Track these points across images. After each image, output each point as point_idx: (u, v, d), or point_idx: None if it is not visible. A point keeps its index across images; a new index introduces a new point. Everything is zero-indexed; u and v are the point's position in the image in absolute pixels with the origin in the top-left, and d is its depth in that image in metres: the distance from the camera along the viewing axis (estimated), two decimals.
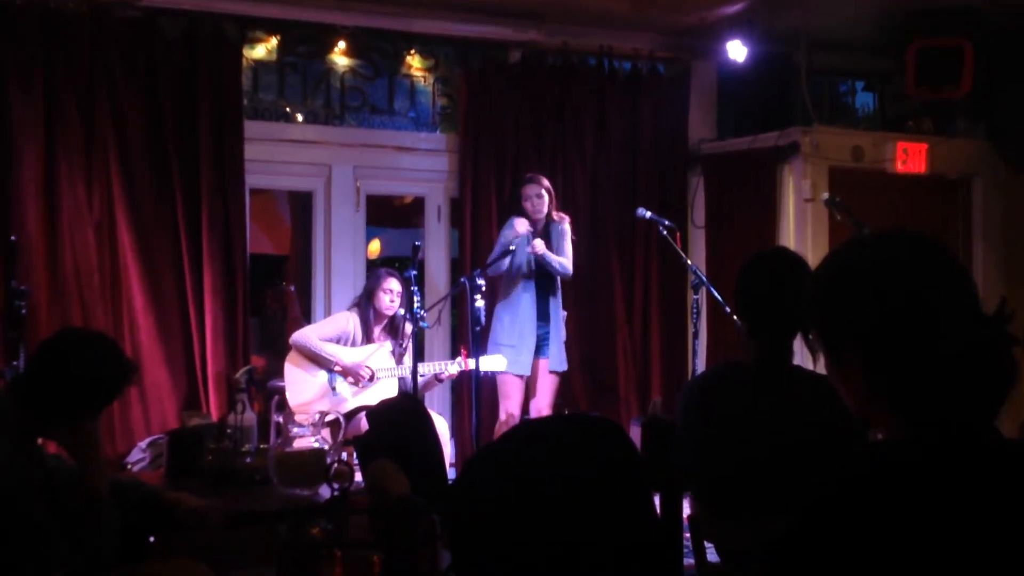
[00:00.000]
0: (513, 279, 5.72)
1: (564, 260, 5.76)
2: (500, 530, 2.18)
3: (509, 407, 5.69)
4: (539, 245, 5.64)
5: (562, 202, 6.56)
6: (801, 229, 6.40)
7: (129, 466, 5.37)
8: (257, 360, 6.31)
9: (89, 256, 5.54)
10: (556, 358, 5.77)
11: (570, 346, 6.51)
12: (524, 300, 5.67)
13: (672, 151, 6.94)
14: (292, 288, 7.70)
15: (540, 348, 5.75)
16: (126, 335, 5.56)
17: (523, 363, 5.63)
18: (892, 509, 1.24)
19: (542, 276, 5.74)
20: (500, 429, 5.68)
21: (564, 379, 6.06)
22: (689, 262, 5.51)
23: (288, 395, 5.42)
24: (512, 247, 5.58)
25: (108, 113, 5.59)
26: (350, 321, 5.58)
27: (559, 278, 5.80)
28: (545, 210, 5.76)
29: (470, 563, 2.14)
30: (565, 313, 5.93)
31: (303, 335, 5.50)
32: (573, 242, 5.89)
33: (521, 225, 5.64)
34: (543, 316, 5.76)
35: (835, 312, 1.42)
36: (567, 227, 5.85)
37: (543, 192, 5.76)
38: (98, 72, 5.57)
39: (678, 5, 6.29)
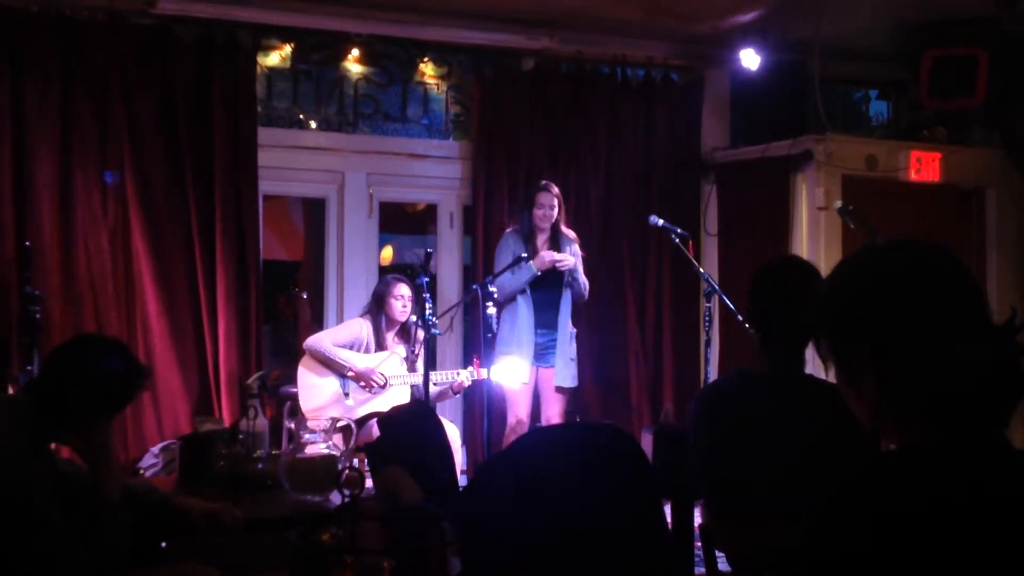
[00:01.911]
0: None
1: (583, 280, 5.78)
2: (510, 537, 2.18)
3: (517, 412, 5.68)
4: (549, 257, 5.63)
5: (575, 210, 6.58)
6: (814, 237, 6.39)
7: (142, 471, 5.39)
8: (274, 373, 6.31)
9: (103, 262, 5.57)
10: (562, 373, 5.73)
11: (582, 354, 6.51)
12: (521, 306, 5.65)
13: (685, 159, 6.94)
14: (305, 295, 7.72)
15: (543, 356, 5.74)
16: (139, 340, 5.58)
17: (522, 368, 5.61)
18: (904, 519, 1.24)
19: (541, 284, 5.71)
20: (509, 435, 5.67)
21: (574, 391, 6.05)
22: (701, 270, 5.50)
23: (301, 400, 5.43)
24: (523, 256, 5.56)
25: (123, 120, 5.62)
26: (364, 327, 5.59)
27: (570, 293, 5.79)
28: (553, 221, 5.76)
29: (480, 570, 2.14)
30: (575, 330, 5.90)
31: (317, 340, 5.52)
32: (584, 260, 5.90)
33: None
34: (545, 324, 5.73)
35: (845, 322, 1.42)
36: (579, 249, 5.85)
37: (555, 202, 5.76)
38: (113, 79, 5.60)
39: (691, 14, 6.29)
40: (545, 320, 5.72)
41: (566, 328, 5.77)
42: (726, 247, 6.84)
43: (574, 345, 5.85)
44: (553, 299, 5.73)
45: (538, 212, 5.73)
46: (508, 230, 5.88)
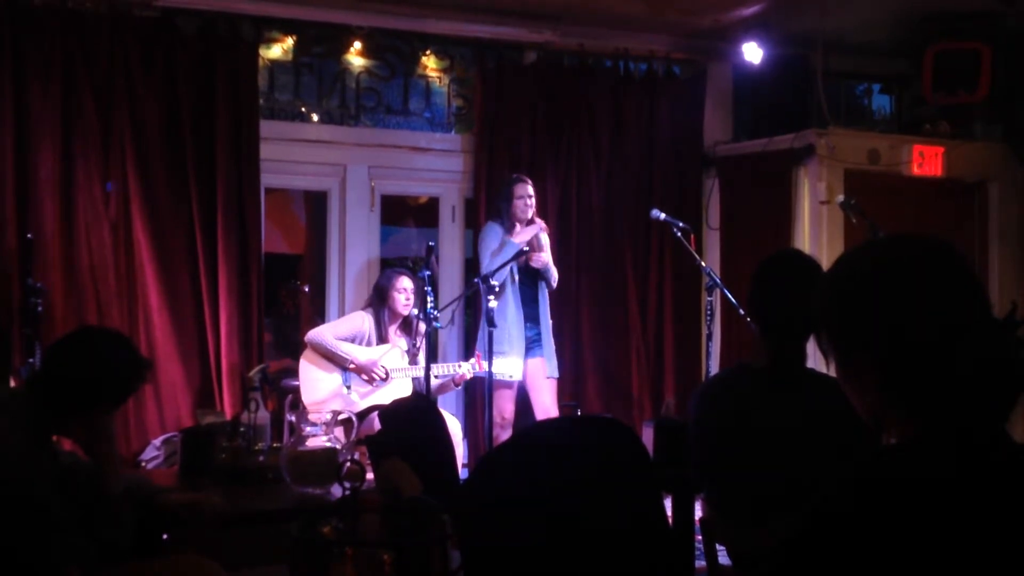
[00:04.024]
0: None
1: (554, 270, 5.85)
2: (511, 530, 2.19)
3: (502, 409, 5.68)
4: (542, 258, 5.68)
5: (577, 203, 6.59)
6: (816, 232, 6.38)
7: (143, 463, 5.40)
8: (274, 364, 6.30)
9: (105, 254, 5.57)
10: (551, 364, 5.82)
11: (583, 347, 6.53)
12: (511, 306, 5.67)
13: (687, 153, 6.93)
14: (306, 288, 7.72)
15: (531, 349, 5.78)
16: (141, 333, 5.58)
17: (515, 367, 5.62)
18: (902, 512, 1.24)
19: (525, 281, 5.77)
20: (496, 430, 5.66)
21: (576, 381, 6.07)
22: (703, 264, 5.50)
23: (302, 393, 5.43)
24: (524, 249, 5.58)
25: (125, 112, 5.62)
26: (365, 321, 5.60)
27: (546, 285, 5.85)
28: (531, 213, 5.79)
29: (481, 563, 2.15)
30: (553, 322, 5.94)
31: (319, 333, 5.52)
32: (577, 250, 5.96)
33: (527, 233, 5.66)
34: (531, 318, 5.80)
35: (846, 316, 1.42)
36: (544, 236, 5.89)
37: (532, 191, 5.80)
38: (116, 71, 5.60)
39: (694, 7, 6.28)
40: (530, 314, 5.77)
41: (547, 320, 5.86)
42: (728, 241, 6.83)
43: (551, 334, 5.89)
44: (534, 293, 5.81)
45: (519, 203, 5.76)
46: (489, 222, 5.90)
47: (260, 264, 5.94)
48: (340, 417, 4.01)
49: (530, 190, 5.81)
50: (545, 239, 5.90)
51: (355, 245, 6.41)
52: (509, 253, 5.60)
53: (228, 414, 5.57)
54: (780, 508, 2.33)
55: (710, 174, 7.00)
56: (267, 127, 6.05)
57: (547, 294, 5.88)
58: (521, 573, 2.19)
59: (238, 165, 5.84)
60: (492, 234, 5.77)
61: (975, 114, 6.70)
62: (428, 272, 5.08)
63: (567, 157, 6.60)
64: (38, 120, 5.44)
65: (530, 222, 5.82)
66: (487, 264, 5.62)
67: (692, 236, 5.57)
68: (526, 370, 5.78)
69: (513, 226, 5.79)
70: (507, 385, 5.67)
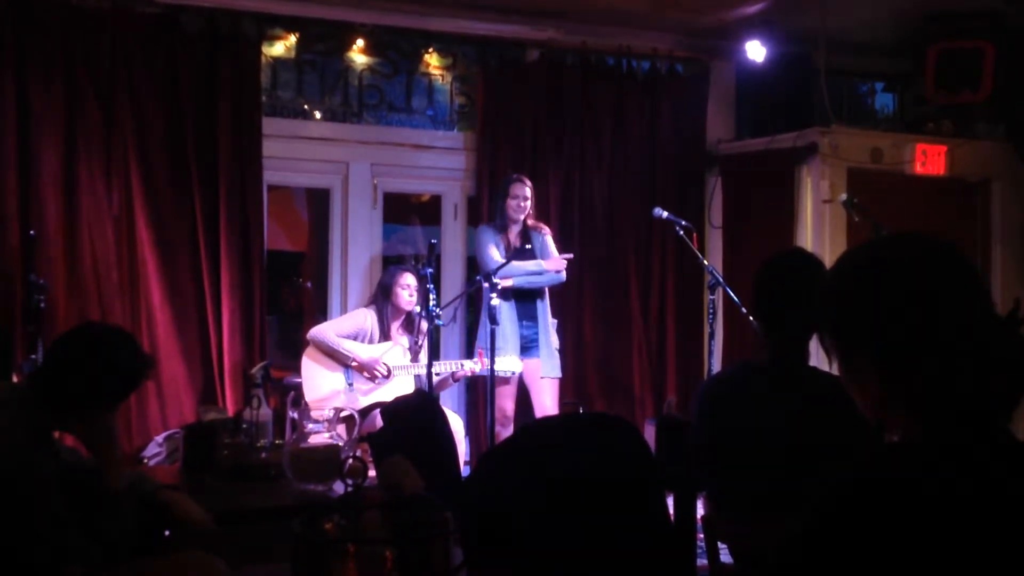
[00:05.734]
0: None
1: (542, 263, 5.77)
2: (513, 527, 2.19)
3: (502, 406, 5.68)
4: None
5: (579, 201, 6.59)
6: (819, 230, 6.38)
7: (146, 460, 5.40)
8: (276, 373, 6.30)
9: (107, 251, 5.57)
10: (548, 364, 5.78)
11: (586, 345, 6.53)
12: (502, 303, 5.63)
13: (690, 151, 6.93)
14: (309, 285, 7.73)
15: (528, 349, 5.76)
16: (143, 329, 5.59)
17: (514, 363, 5.60)
18: (906, 510, 1.24)
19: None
20: (496, 427, 5.66)
21: (578, 379, 6.06)
22: (706, 262, 5.51)
23: (305, 390, 5.44)
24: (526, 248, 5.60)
25: (128, 109, 5.62)
26: (368, 318, 5.60)
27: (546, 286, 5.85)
28: (525, 214, 5.77)
29: (482, 560, 2.15)
30: (556, 321, 5.92)
31: (321, 331, 5.53)
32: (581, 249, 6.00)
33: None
34: (527, 316, 5.76)
35: (848, 314, 1.42)
36: (550, 239, 5.90)
37: (528, 193, 5.78)
38: (118, 68, 5.59)
39: (697, 5, 6.28)
40: (526, 312, 5.75)
41: (547, 319, 5.83)
42: (730, 239, 6.83)
43: (556, 336, 5.87)
44: (531, 291, 5.77)
45: (512, 203, 5.75)
46: (482, 224, 5.89)
47: (262, 261, 5.94)
48: (342, 414, 4.02)
49: (527, 191, 5.79)
50: (550, 241, 5.89)
51: (357, 243, 6.41)
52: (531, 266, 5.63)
53: (230, 411, 5.57)
54: (782, 506, 2.33)
55: (713, 172, 7.00)
56: (269, 124, 6.05)
57: (547, 292, 5.86)
58: (523, 570, 2.19)
59: (240, 162, 5.84)
60: (487, 239, 5.75)
61: (978, 113, 6.69)
62: (430, 269, 5.09)
63: (569, 155, 6.60)
64: (40, 117, 5.44)
65: (525, 226, 5.81)
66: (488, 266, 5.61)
67: (695, 234, 5.57)
68: (524, 371, 5.77)
69: (506, 225, 5.78)
70: (506, 382, 5.67)
